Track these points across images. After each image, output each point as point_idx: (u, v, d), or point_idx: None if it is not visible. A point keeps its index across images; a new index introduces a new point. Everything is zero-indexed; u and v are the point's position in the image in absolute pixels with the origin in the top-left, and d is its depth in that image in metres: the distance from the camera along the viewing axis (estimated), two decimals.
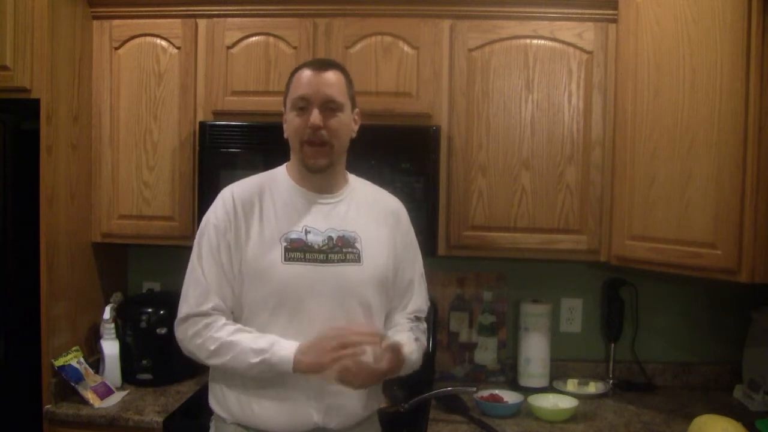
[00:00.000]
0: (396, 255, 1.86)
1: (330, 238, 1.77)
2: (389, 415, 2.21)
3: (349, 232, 1.79)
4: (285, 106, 1.82)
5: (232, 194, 1.79)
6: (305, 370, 1.65)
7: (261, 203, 1.78)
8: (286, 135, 1.82)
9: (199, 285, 1.75)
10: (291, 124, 1.78)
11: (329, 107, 1.74)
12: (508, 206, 2.45)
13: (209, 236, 1.76)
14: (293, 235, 1.75)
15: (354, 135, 1.85)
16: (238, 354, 1.68)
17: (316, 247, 1.75)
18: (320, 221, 1.78)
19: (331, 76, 1.76)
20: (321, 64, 1.79)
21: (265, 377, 1.69)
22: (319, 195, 1.81)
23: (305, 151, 1.76)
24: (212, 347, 1.71)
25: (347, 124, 1.80)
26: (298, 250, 1.74)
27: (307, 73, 1.76)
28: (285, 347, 1.67)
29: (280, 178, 1.85)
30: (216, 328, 1.72)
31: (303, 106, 1.75)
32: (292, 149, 1.82)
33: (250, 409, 1.73)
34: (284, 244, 1.74)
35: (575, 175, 2.43)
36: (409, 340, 1.79)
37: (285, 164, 1.88)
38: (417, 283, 1.93)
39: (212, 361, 1.73)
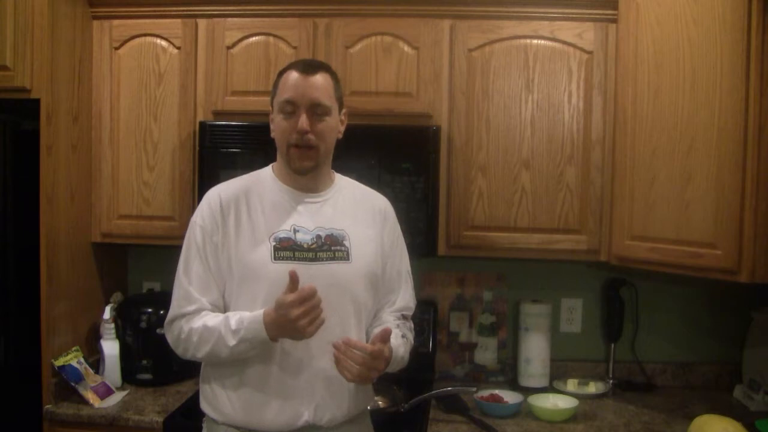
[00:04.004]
0: (384, 252, 1.87)
1: (318, 236, 1.77)
2: (389, 415, 2.21)
3: (338, 230, 1.80)
4: (272, 106, 1.82)
5: (218, 195, 1.80)
6: (297, 338, 1.65)
7: (248, 203, 1.79)
8: (272, 135, 1.82)
9: (183, 287, 1.76)
10: (278, 126, 1.78)
11: (316, 111, 1.74)
12: (508, 206, 2.45)
13: (195, 238, 1.77)
14: (282, 234, 1.75)
15: (340, 136, 1.85)
16: (218, 339, 1.69)
17: (305, 245, 1.75)
18: (308, 220, 1.79)
19: (319, 79, 1.76)
20: (308, 67, 1.78)
21: (250, 354, 1.69)
22: (306, 194, 1.82)
23: (291, 153, 1.76)
24: (195, 338, 1.72)
25: (334, 126, 1.80)
26: (287, 249, 1.74)
27: (294, 76, 1.76)
28: (255, 322, 1.66)
29: (266, 178, 1.85)
30: (195, 320, 1.74)
31: (290, 110, 1.75)
32: (278, 151, 1.82)
33: (241, 409, 1.74)
34: (273, 243, 1.74)
35: (575, 175, 2.43)
36: (396, 335, 1.79)
37: (270, 165, 1.89)
38: (404, 281, 1.93)
39: (201, 353, 1.74)
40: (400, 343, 1.80)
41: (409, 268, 1.96)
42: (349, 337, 1.67)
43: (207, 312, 1.75)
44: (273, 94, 1.81)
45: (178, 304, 1.77)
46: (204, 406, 1.82)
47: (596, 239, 2.43)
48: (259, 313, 1.67)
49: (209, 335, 1.70)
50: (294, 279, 1.60)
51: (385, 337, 1.68)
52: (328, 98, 1.76)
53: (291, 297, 1.60)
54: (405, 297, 1.92)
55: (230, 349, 1.68)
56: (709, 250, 2.08)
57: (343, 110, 1.86)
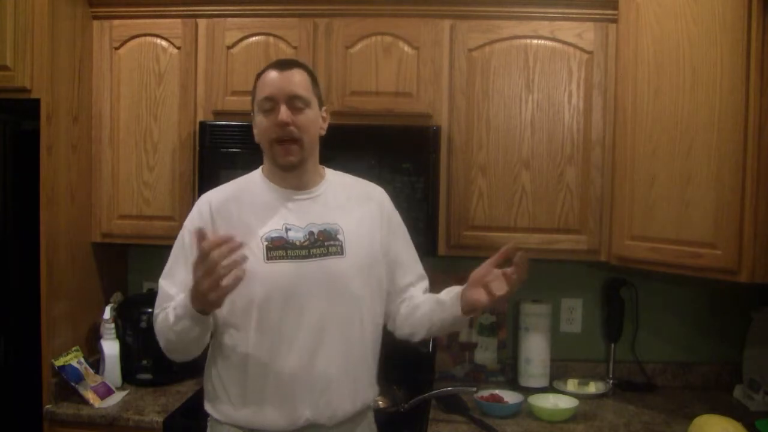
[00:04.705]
0: (383, 242, 1.87)
1: (311, 233, 1.77)
2: (389, 415, 2.21)
3: (330, 224, 1.80)
4: (252, 110, 1.83)
5: (209, 202, 1.81)
6: (208, 306, 1.59)
7: (239, 207, 1.79)
8: (257, 139, 1.82)
9: (164, 291, 1.78)
10: (260, 125, 1.79)
11: (296, 105, 1.75)
12: (508, 206, 2.45)
13: (184, 242, 1.79)
14: (274, 234, 1.75)
15: (323, 132, 1.85)
16: (165, 320, 1.69)
17: (298, 243, 1.75)
18: (299, 217, 1.79)
19: (295, 74, 1.77)
20: (284, 64, 1.80)
21: (193, 333, 1.66)
22: (295, 192, 1.82)
23: (276, 150, 1.77)
24: (160, 327, 1.74)
25: (315, 120, 1.80)
26: (279, 248, 1.74)
27: (271, 74, 1.78)
28: (186, 297, 1.61)
29: (255, 180, 1.86)
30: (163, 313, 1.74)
31: (269, 107, 1.76)
32: (263, 150, 1.83)
33: (243, 409, 1.74)
34: (265, 243, 1.74)
35: (575, 175, 2.43)
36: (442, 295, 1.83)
37: (260, 167, 1.89)
38: (414, 262, 1.96)
39: (164, 342, 1.74)
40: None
41: (414, 251, 1.98)
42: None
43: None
44: (252, 96, 1.82)
45: (158, 305, 1.78)
46: (207, 406, 1.82)
47: (596, 239, 2.43)
48: (186, 300, 1.63)
49: (165, 317, 1.71)
50: (199, 237, 1.52)
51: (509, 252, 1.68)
52: (305, 91, 1.77)
53: (196, 258, 1.53)
54: (424, 279, 1.97)
55: (172, 329, 1.66)
56: (709, 250, 2.08)
57: (324, 107, 1.86)
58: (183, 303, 1.64)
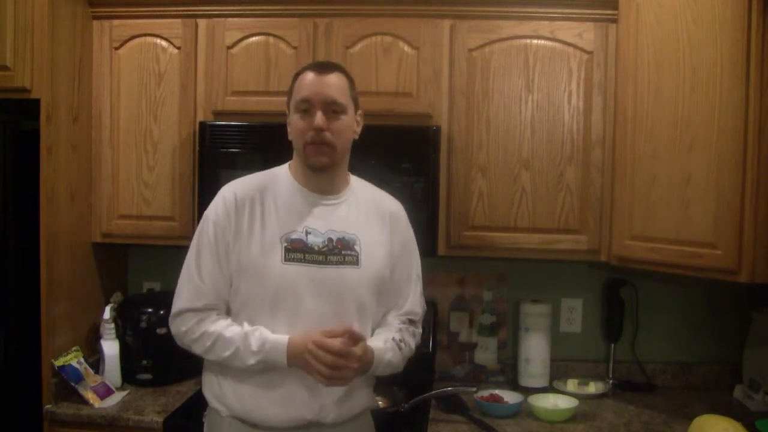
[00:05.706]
0: (392, 257, 1.87)
1: (330, 239, 1.78)
2: (389, 415, 2.21)
3: (349, 234, 1.80)
4: (288, 108, 1.83)
5: (233, 193, 1.80)
6: (301, 368, 1.71)
7: (262, 202, 1.79)
8: (290, 137, 1.83)
9: (194, 281, 1.77)
10: (295, 126, 1.79)
11: (332, 109, 1.76)
12: (508, 206, 2.45)
13: (208, 233, 1.78)
14: (294, 236, 1.76)
15: (356, 137, 1.86)
16: (234, 353, 1.71)
17: (316, 248, 1.76)
18: (321, 222, 1.79)
19: (334, 78, 1.78)
20: (323, 67, 1.81)
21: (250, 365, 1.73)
22: (320, 196, 1.82)
23: (308, 150, 1.77)
24: (207, 343, 1.75)
25: (349, 125, 1.81)
26: (298, 251, 1.75)
27: (309, 76, 1.77)
28: (278, 351, 1.70)
29: (282, 177, 1.85)
30: (208, 324, 1.75)
31: (306, 108, 1.76)
32: (295, 150, 1.83)
33: (248, 401, 1.75)
34: (285, 244, 1.75)
35: (575, 175, 2.43)
36: (386, 340, 1.80)
37: (287, 163, 1.89)
38: (413, 285, 1.93)
39: (209, 356, 1.77)
40: (388, 347, 1.80)
41: (420, 273, 1.96)
42: (321, 339, 1.67)
43: (218, 315, 1.77)
44: (289, 96, 1.83)
45: (188, 297, 1.77)
46: (208, 396, 1.83)
47: (596, 239, 2.43)
48: (282, 340, 1.70)
49: (225, 345, 1.72)
50: (350, 333, 1.66)
51: (352, 337, 1.68)
52: (343, 97, 1.78)
53: (338, 344, 1.64)
54: (412, 301, 1.92)
55: (246, 365, 1.71)
56: (709, 250, 2.08)
57: (359, 111, 1.87)
58: (274, 354, 1.69)
